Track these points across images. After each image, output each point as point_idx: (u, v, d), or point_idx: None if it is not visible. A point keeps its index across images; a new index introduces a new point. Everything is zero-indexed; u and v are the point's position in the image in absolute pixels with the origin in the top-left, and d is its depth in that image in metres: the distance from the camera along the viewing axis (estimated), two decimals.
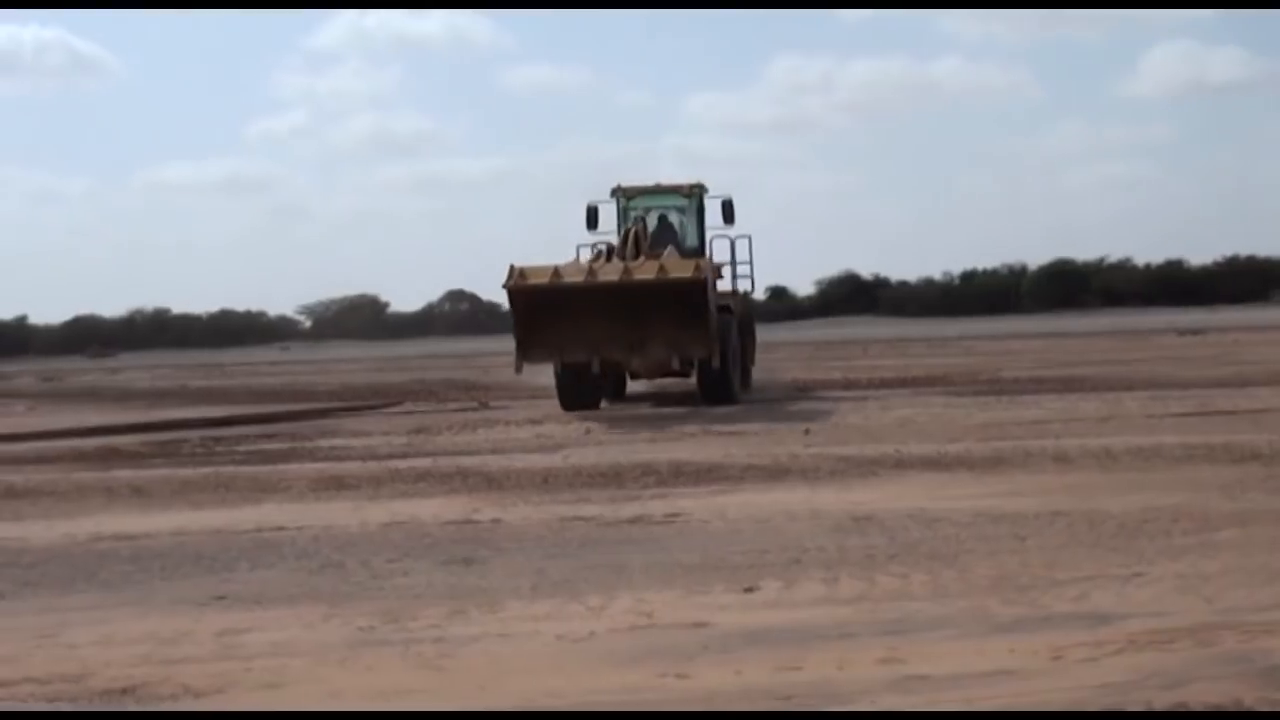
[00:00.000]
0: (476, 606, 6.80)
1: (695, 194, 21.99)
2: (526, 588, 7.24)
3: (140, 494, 11.96)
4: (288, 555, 8.54)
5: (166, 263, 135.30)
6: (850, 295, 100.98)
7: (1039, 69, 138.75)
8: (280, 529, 9.55)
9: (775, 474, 11.66)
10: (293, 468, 13.64)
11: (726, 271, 21.83)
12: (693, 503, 10.10)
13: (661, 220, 21.82)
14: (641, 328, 18.49)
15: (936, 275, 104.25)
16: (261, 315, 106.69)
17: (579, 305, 18.43)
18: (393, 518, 9.88)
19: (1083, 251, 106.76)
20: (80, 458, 15.82)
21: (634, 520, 9.40)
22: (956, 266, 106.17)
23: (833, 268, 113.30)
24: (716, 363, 18.78)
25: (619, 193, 21.93)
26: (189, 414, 22.62)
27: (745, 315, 21.99)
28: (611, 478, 11.74)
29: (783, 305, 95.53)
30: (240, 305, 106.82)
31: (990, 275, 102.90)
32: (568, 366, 19.17)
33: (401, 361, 51.00)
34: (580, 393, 19.48)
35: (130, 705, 5.43)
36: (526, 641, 6.12)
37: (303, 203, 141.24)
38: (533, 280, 18.47)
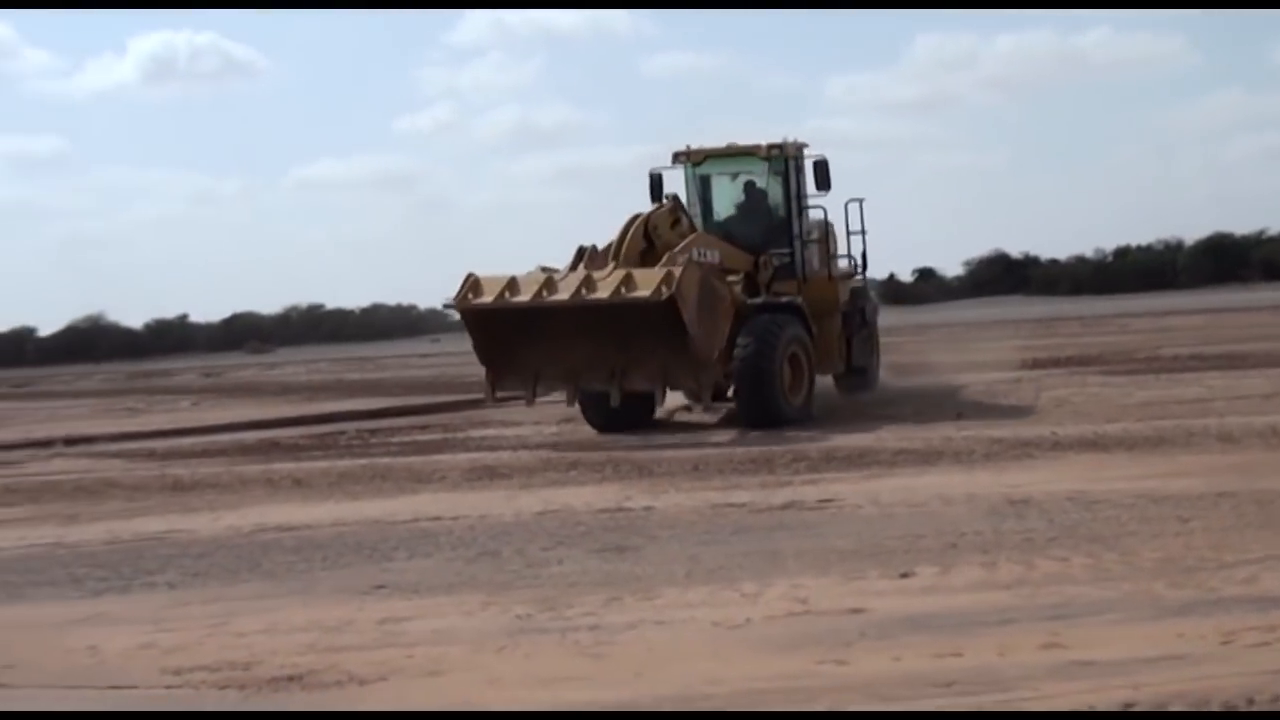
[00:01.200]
0: (631, 594, 6.83)
1: (777, 156, 17.01)
2: (681, 575, 7.26)
3: (301, 485, 12.24)
4: (444, 544, 8.67)
5: (319, 259, 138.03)
6: (1000, 275, 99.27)
7: (1193, 36, 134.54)
8: (436, 518, 9.71)
9: (928, 457, 11.52)
10: (446, 458, 13.84)
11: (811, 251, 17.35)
12: (845, 488, 10.03)
13: (749, 188, 17.48)
14: (626, 350, 14.88)
15: (1089, 252, 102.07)
16: (412, 309, 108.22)
17: (550, 325, 14.96)
18: (546, 506, 9.97)
19: (1242, 224, 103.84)
20: (243, 451, 16.24)
21: (786, 506, 9.37)
22: (1109, 243, 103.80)
23: (982, 247, 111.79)
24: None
25: (684, 157, 17.10)
26: (345, 407, 23.07)
27: (850, 304, 17.60)
28: (762, 464, 11.71)
29: (931, 286, 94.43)
30: (391, 299, 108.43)
31: (1145, 251, 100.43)
32: (580, 394, 15.73)
33: None
34: (605, 408, 15.67)
35: (297, 692, 5.56)
36: (683, 628, 6.13)
37: (449, 196, 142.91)
38: (483, 298, 15.02)
